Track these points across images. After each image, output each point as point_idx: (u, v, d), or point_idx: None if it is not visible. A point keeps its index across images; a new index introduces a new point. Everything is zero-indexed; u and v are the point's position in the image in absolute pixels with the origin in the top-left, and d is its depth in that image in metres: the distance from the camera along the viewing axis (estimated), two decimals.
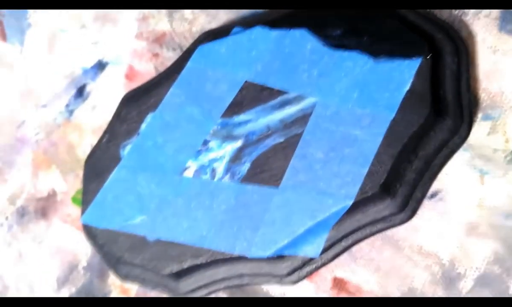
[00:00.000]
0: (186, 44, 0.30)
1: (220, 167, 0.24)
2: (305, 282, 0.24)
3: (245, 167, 0.23)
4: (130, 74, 0.32)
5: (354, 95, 0.21)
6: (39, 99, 0.34)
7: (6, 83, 0.35)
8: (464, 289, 0.22)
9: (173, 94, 0.25)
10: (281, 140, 0.23)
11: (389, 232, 0.23)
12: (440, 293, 0.22)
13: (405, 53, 0.21)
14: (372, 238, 0.23)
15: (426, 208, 0.23)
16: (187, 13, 0.30)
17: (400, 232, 0.23)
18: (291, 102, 0.23)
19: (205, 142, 0.24)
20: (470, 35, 0.23)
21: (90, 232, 0.27)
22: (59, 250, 0.32)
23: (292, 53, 0.23)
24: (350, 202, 0.21)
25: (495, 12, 0.22)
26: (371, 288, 0.23)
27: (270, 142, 0.23)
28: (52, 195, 0.33)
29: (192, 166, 0.24)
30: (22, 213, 0.33)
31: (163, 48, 0.31)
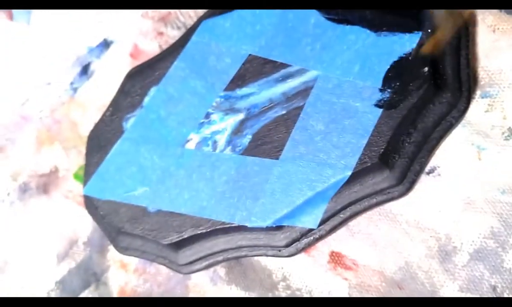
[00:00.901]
0: (191, 23, 0.30)
1: (222, 140, 0.24)
2: (302, 255, 0.25)
3: (246, 140, 0.24)
4: (135, 53, 0.32)
5: (356, 68, 0.22)
6: (44, 77, 0.35)
7: (12, 61, 0.36)
8: (460, 262, 0.22)
9: (177, 67, 0.26)
10: (283, 112, 0.23)
11: (387, 207, 0.23)
12: (436, 266, 0.22)
13: (407, 27, 0.21)
14: (369, 213, 0.24)
15: (424, 183, 0.23)
16: None
17: (397, 206, 0.23)
18: (293, 75, 0.23)
19: (208, 115, 0.25)
20: (471, 14, 0.23)
21: (91, 203, 0.27)
22: (60, 226, 0.32)
23: (295, 27, 0.23)
24: (349, 173, 0.21)
25: None
26: (368, 262, 0.24)
27: (272, 114, 0.23)
28: (54, 172, 0.33)
29: (194, 139, 0.25)
30: (24, 189, 0.33)
31: (168, 27, 0.31)
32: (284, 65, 0.23)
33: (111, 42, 0.32)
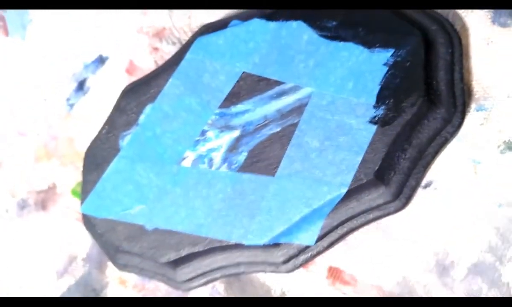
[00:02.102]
0: (186, 38, 0.30)
1: (218, 157, 0.24)
2: (301, 270, 0.25)
3: (242, 157, 0.24)
4: (131, 68, 0.32)
5: (350, 85, 0.22)
6: (40, 93, 0.35)
7: (8, 77, 0.36)
8: (458, 277, 0.22)
9: (172, 85, 0.26)
10: (278, 129, 0.23)
11: (384, 222, 0.23)
12: (434, 280, 0.22)
13: (400, 44, 0.21)
14: (367, 228, 0.24)
15: (420, 198, 0.23)
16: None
17: (394, 221, 0.23)
18: (287, 92, 0.23)
19: (203, 132, 0.25)
20: (464, 27, 0.23)
21: (89, 221, 0.27)
22: (58, 242, 0.32)
23: (288, 44, 0.23)
24: (344, 190, 0.21)
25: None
26: (366, 277, 0.24)
27: (267, 131, 0.23)
28: (52, 188, 0.33)
29: (190, 156, 0.25)
30: (22, 206, 0.34)
31: (163, 42, 0.31)
32: (278, 82, 0.23)
33: (106, 58, 0.32)
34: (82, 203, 0.27)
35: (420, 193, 0.23)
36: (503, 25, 0.23)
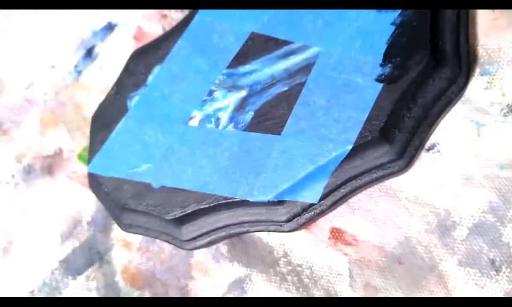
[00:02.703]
0: None
1: (225, 116, 0.24)
2: (303, 232, 0.25)
3: (248, 116, 0.24)
4: (139, 35, 0.32)
5: (357, 44, 0.22)
6: (48, 60, 0.35)
7: (17, 45, 0.36)
8: (459, 237, 0.22)
9: (181, 46, 0.26)
10: (285, 88, 0.23)
11: (387, 183, 0.24)
12: (435, 241, 0.23)
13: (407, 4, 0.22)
14: (369, 189, 0.24)
15: (423, 160, 0.23)
16: None
17: (397, 183, 0.24)
18: (295, 51, 0.23)
19: (211, 92, 0.25)
20: None
21: (96, 181, 0.27)
22: (64, 206, 0.32)
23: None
24: (350, 147, 0.22)
25: None
26: (368, 238, 0.24)
27: (274, 91, 0.24)
28: (58, 153, 0.34)
29: (197, 116, 0.25)
30: (28, 171, 0.34)
31: (172, 10, 0.31)
32: (286, 42, 0.24)
33: (115, 25, 0.33)
34: (89, 162, 0.28)
35: (423, 155, 0.23)
36: None
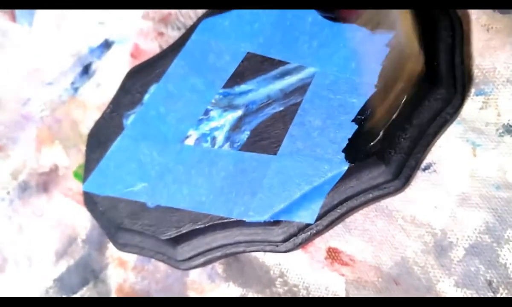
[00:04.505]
0: (191, 23, 0.30)
1: (220, 136, 0.24)
2: (299, 252, 0.25)
3: (244, 136, 0.24)
4: (136, 53, 0.33)
5: (352, 65, 0.22)
6: (45, 77, 0.35)
7: (14, 62, 0.36)
8: (456, 257, 0.22)
9: (177, 65, 0.26)
10: (281, 108, 0.23)
11: (383, 203, 0.24)
12: (432, 261, 0.23)
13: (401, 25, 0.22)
14: (366, 209, 0.24)
15: (420, 180, 0.23)
16: None
17: (393, 203, 0.23)
18: (291, 72, 0.23)
19: (207, 112, 0.25)
20: (465, 13, 0.23)
21: (91, 199, 0.27)
22: (59, 224, 0.32)
23: (293, 25, 0.24)
24: (345, 167, 0.22)
25: None
26: (364, 258, 0.24)
27: (270, 111, 0.23)
28: (54, 170, 0.33)
29: (193, 135, 0.25)
30: (24, 188, 0.34)
31: (168, 28, 0.32)
32: (282, 63, 0.24)
33: (112, 42, 0.33)
34: (84, 181, 0.28)
35: (419, 175, 0.23)
36: (503, 12, 0.23)
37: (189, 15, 0.31)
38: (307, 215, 0.22)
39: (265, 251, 0.24)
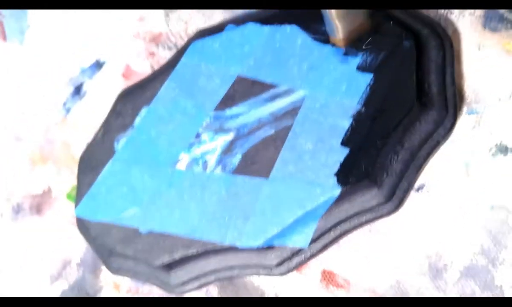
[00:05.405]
0: (182, 43, 0.30)
1: (212, 159, 0.24)
2: (294, 274, 0.25)
3: (236, 159, 0.24)
4: (127, 73, 0.32)
5: (343, 87, 0.22)
6: (37, 97, 0.35)
7: (5, 81, 0.36)
8: (451, 280, 0.22)
9: (167, 88, 0.26)
10: (272, 132, 0.23)
11: (377, 225, 0.23)
12: (427, 283, 0.22)
13: (392, 47, 0.22)
14: (360, 231, 0.24)
15: (413, 200, 0.23)
16: (183, 13, 0.31)
17: (387, 224, 0.23)
18: (281, 95, 0.23)
19: (198, 135, 0.25)
20: (455, 33, 0.23)
21: (83, 224, 0.27)
22: (53, 246, 0.32)
23: (283, 48, 0.23)
24: (338, 192, 0.21)
25: (479, 10, 0.23)
26: (359, 280, 0.23)
27: (261, 134, 0.23)
28: (47, 192, 0.33)
29: (184, 158, 0.25)
30: (17, 210, 0.34)
31: (159, 47, 0.31)
32: (272, 85, 0.23)
33: (103, 63, 0.33)
34: (76, 206, 0.27)
35: (412, 195, 0.23)
36: (494, 30, 0.23)
37: (179, 35, 0.31)
38: (300, 239, 0.22)
39: (259, 274, 0.24)
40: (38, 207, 0.33)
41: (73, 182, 0.32)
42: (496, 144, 0.22)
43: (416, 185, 0.23)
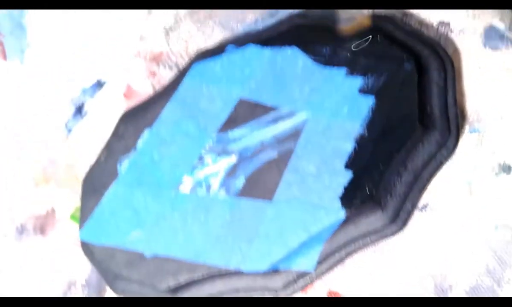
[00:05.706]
0: (183, 62, 0.30)
1: (216, 182, 0.24)
2: (300, 295, 0.25)
3: (239, 182, 0.24)
4: (128, 93, 0.32)
5: (345, 110, 0.22)
6: (38, 117, 0.35)
7: (6, 101, 0.36)
8: None
9: (169, 110, 0.26)
10: (275, 154, 0.23)
11: (382, 245, 0.23)
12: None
13: (393, 69, 0.22)
14: (365, 252, 0.24)
15: (417, 220, 0.23)
16: (184, 32, 0.31)
17: (392, 245, 0.23)
18: (283, 117, 0.23)
19: (201, 157, 0.25)
20: (456, 52, 0.23)
21: (88, 248, 0.27)
22: (57, 268, 0.32)
23: (284, 70, 0.23)
24: (342, 214, 0.21)
25: (480, 29, 0.23)
26: None
27: (264, 157, 0.23)
28: (50, 213, 0.33)
29: (187, 181, 0.25)
30: (21, 231, 0.34)
31: (160, 67, 0.31)
32: (274, 108, 0.23)
33: (104, 83, 0.33)
34: (80, 228, 0.27)
35: (416, 215, 0.23)
36: (494, 48, 0.23)
37: (180, 54, 0.31)
38: (306, 262, 0.22)
39: (264, 296, 0.24)
40: (42, 228, 0.33)
41: (77, 202, 0.32)
42: (499, 164, 0.22)
43: (420, 204, 0.23)
